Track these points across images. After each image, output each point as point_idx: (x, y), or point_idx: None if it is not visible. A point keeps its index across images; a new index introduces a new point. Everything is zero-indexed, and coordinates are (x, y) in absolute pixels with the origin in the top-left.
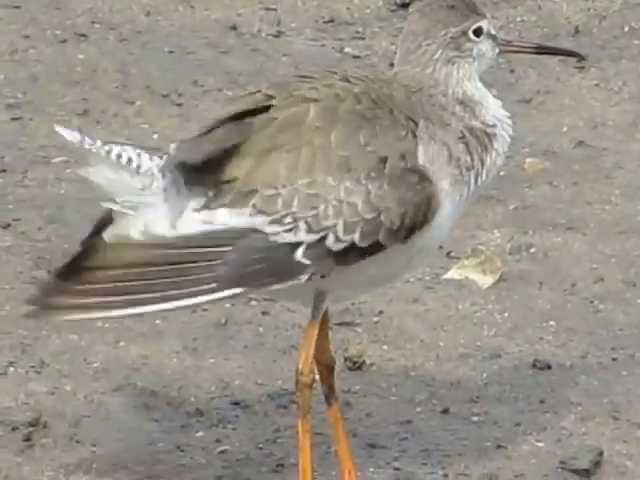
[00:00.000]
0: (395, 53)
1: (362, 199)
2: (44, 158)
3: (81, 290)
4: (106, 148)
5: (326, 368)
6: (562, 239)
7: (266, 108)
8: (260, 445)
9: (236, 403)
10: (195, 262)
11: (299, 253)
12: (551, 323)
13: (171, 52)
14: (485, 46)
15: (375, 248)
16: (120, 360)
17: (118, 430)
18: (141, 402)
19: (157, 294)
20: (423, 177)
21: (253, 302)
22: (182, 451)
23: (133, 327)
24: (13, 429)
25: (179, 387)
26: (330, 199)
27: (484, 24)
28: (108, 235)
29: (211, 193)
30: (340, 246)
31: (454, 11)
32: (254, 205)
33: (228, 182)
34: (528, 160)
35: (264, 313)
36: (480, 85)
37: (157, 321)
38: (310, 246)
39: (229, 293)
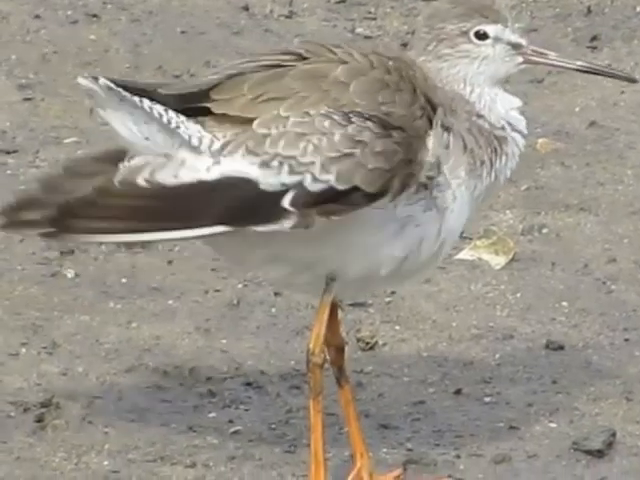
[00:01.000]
0: (407, 34)
1: (342, 133)
2: (55, 139)
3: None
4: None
5: (336, 350)
6: (574, 220)
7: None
8: (272, 426)
9: (248, 384)
10: (189, 204)
11: (286, 200)
12: (564, 304)
13: (183, 33)
14: (492, 51)
15: (355, 197)
16: (132, 341)
17: (130, 411)
18: (153, 383)
19: (155, 227)
20: (416, 141)
21: (265, 283)
22: (194, 432)
23: (145, 307)
24: (25, 410)
25: (191, 368)
26: (313, 135)
27: (491, 29)
28: (117, 177)
29: (215, 140)
30: (318, 187)
31: (459, 8)
32: (246, 147)
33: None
34: (540, 140)
35: (276, 294)
36: (488, 89)
37: (169, 301)
38: (294, 193)
39: (216, 230)
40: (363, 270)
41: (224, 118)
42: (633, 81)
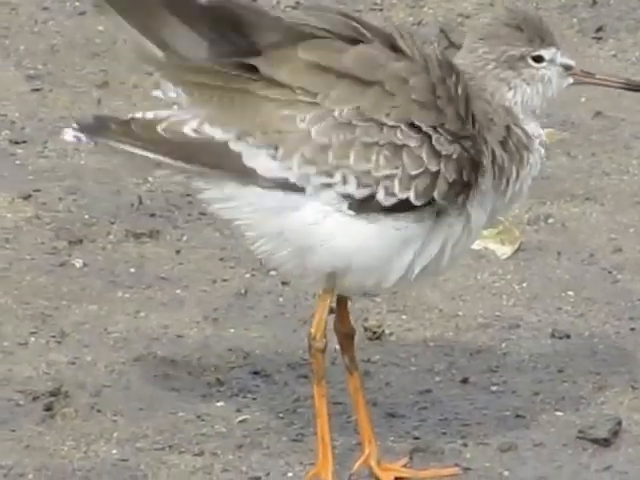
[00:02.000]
0: (412, 25)
1: (424, 147)
2: (64, 129)
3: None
4: None
5: (346, 337)
6: (580, 209)
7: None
8: (280, 414)
9: (256, 373)
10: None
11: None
12: (570, 293)
13: None
14: (547, 73)
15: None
16: (140, 330)
17: (138, 400)
18: (161, 372)
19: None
20: (479, 151)
21: (273, 272)
22: (202, 420)
23: (153, 297)
24: (34, 399)
25: (199, 357)
26: (385, 147)
27: (547, 53)
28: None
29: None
30: (391, 200)
31: (520, 33)
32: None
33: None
34: (546, 130)
35: (284, 283)
36: (531, 113)
37: (177, 291)
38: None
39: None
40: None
41: (270, 82)
42: None
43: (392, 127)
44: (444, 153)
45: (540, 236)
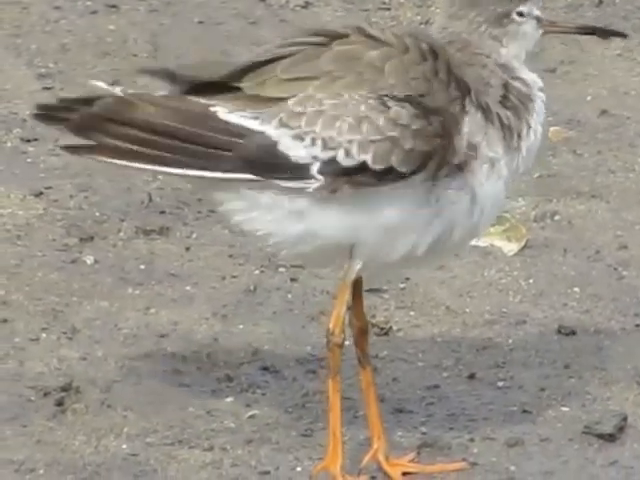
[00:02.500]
0: (420, 24)
1: (382, 116)
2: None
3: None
4: None
5: (360, 331)
6: (586, 207)
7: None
8: (289, 410)
9: (265, 368)
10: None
11: (314, 168)
12: (575, 289)
13: (200, 23)
14: (528, 27)
15: (388, 176)
16: (150, 326)
17: (148, 395)
18: (171, 367)
19: (178, 158)
20: (452, 123)
21: (282, 269)
22: (212, 416)
23: (163, 293)
24: (45, 394)
25: (209, 353)
26: (350, 116)
27: (527, 7)
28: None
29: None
30: (351, 162)
31: None
32: (280, 119)
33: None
34: (552, 129)
35: (292, 280)
36: (522, 63)
37: (187, 287)
38: (325, 163)
39: (240, 177)
40: (396, 251)
41: (257, 98)
42: (623, 36)
43: (361, 98)
44: (402, 123)
45: (546, 233)
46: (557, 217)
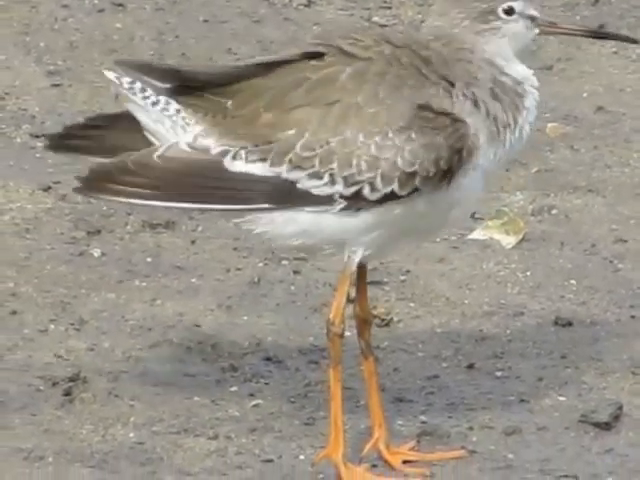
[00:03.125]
0: (421, 22)
1: (395, 154)
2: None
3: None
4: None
5: (364, 323)
6: (582, 201)
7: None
8: (292, 399)
9: (268, 359)
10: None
11: (337, 196)
12: (572, 282)
13: (206, 21)
14: (517, 25)
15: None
16: (157, 317)
17: (155, 385)
18: (177, 358)
19: (197, 198)
20: (454, 118)
21: (285, 262)
22: (217, 405)
23: (169, 285)
24: (54, 384)
25: (214, 343)
26: (362, 155)
27: (517, 5)
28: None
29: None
30: (377, 195)
31: None
32: (290, 161)
33: (262, 136)
34: (550, 125)
35: (295, 272)
36: (512, 60)
37: (192, 280)
38: (348, 196)
39: (261, 207)
40: (395, 245)
41: (250, 126)
42: (634, 42)
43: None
44: (417, 151)
45: (544, 227)
46: (554, 211)
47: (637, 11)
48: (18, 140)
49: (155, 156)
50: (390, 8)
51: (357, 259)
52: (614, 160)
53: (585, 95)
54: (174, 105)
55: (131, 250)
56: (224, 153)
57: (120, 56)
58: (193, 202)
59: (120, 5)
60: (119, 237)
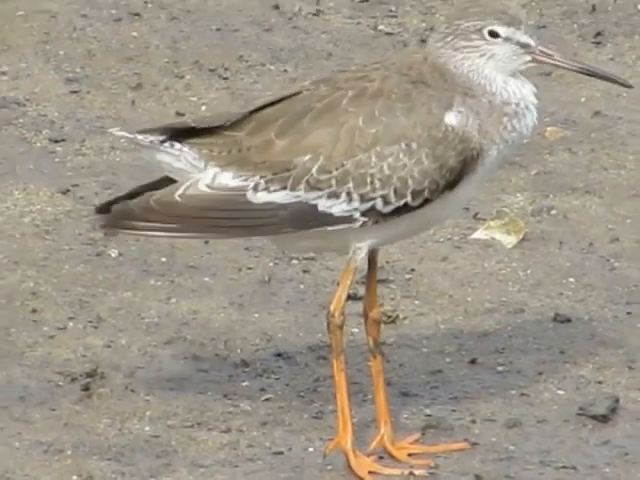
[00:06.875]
0: (425, 30)
1: (408, 172)
2: (100, 128)
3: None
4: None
5: (373, 322)
6: (580, 202)
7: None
8: (301, 394)
9: (279, 355)
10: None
11: (357, 214)
12: (570, 280)
13: (218, 30)
14: (501, 49)
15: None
16: (171, 315)
17: (169, 380)
18: (191, 354)
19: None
20: (462, 137)
21: (294, 261)
22: (229, 399)
23: (184, 284)
24: (72, 380)
25: (226, 340)
26: (376, 174)
27: (502, 30)
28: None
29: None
30: (390, 208)
31: (477, 8)
32: (308, 183)
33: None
34: (549, 129)
35: (305, 271)
36: (500, 76)
37: (206, 279)
38: (365, 211)
39: (285, 230)
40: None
41: (264, 156)
42: (628, 86)
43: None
44: (426, 163)
45: (543, 227)
46: (553, 212)
47: (632, 19)
48: (38, 145)
49: (177, 195)
50: (396, 17)
51: (362, 255)
52: (610, 162)
53: (583, 100)
54: (188, 146)
55: (147, 250)
56: (244, 186)
57: (136, 64)
58: (216, 234)
59: (136, 15)
60: (135, 238)
